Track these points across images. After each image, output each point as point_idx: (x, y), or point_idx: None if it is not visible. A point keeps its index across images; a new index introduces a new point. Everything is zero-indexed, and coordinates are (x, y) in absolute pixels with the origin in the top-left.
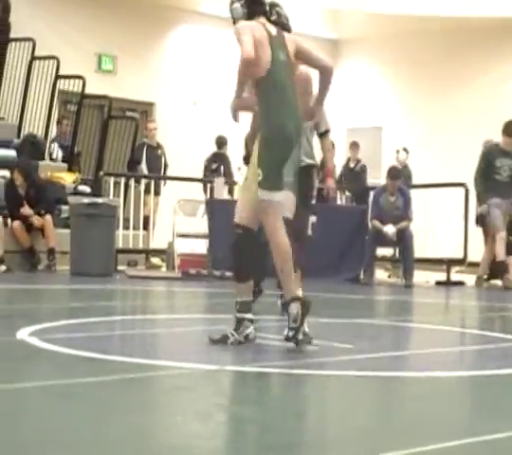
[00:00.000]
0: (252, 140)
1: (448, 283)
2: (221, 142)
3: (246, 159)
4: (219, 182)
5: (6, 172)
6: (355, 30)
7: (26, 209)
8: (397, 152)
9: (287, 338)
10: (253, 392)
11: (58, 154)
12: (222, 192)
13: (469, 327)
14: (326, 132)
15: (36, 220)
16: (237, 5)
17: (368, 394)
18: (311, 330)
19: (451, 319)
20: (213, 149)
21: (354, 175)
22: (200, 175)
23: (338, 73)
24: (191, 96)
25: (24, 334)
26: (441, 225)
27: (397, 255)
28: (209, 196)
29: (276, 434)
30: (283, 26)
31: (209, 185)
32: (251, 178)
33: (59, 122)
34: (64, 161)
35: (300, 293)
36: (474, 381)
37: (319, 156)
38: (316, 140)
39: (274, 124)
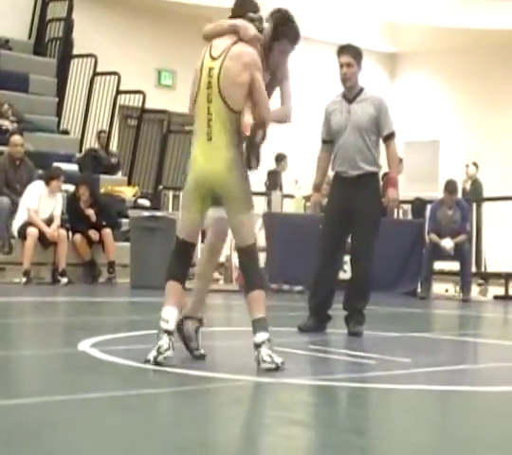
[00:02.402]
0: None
1: (506, 298)
2: (278, 158)
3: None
4: (276, 196)
5: (68, 187)
6: (413, 44)
7: (90, 212)
8: (467, 166)
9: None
10: (310, 406)
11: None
12: (279, 206)
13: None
14: (391, 135)
15: (93, 234)
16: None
17: (426, 409)
18: (368, 343)
19: (510, 334)
20: (272, 164)
21: None
22: (257, 189)
23: (395, 86)
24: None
25: (85, 345)
26: (500, 238)
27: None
28: (266, 210)
29: (335, 449)
30: None
31: (265, 198)
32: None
33: (98, 135)
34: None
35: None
36: None
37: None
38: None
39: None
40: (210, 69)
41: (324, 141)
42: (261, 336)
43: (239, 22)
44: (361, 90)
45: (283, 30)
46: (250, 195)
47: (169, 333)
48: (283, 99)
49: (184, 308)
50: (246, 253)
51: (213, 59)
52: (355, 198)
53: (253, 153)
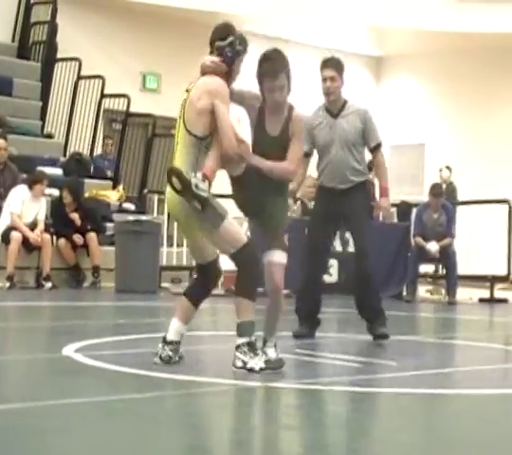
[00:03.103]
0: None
1: (491, 301)
2: None
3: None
4: None
5: (52, 191)
6: (398, 47)
7: (75, 216)
8: (440, 170)
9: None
10: (298, 409)
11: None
12: None
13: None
14: (378, 146)
15: (77, 239)
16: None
17: (412, 411)
18: (355, 347)
19: (495, 337)
20: None
21: None
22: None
23: (381, 90)
24: (234, 113)
25: (69, 350)
26: (484, 241)
27: (441, 272)
28: None
29: (323, 452)
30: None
31: None
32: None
33: (104, 141)
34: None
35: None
36: None
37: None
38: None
39: None
40: (183, 101)
41: (304, 154)
42: (238, 340)
43: (204, 58)
44: (345, 103)
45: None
46: (217, 205)
47: (164, 341)
48: (289, 156)
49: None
50: (235, 258)
51: (187, 91)
52: (344, 203)
53: (195, 198)
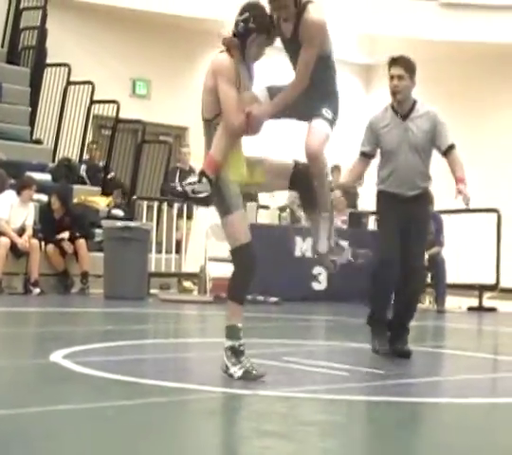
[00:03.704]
0: None
1: (480, 309)
2: None
3: None
4: (251, 206)
5: (41, 196)
6: (388, 55)
7: (63, 234)
8: None
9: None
10: (285, 417)
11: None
12: (254, 217)
13: (502, 354)
14: (450, 148)
15: (67, 246)
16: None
17: (398, 420)
18: (342, 355)
19: (484, 346)
20: None
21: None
22: None
23: (370, 97)
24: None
25: (57, 356)
26: (473, 250)
27: (429, 280)
28: None
29: None
30: None
31: None
32: None
33: (88, 147)
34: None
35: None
36: (508, 408)
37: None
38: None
39: None
40: None
41: (365, 155)
42: (225, 343)
43: None
44: (414, 104)
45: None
46: (228, 198)
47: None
48: (298, 68)
49: None
50: (232, 256)
51: None
52: (410, 211)
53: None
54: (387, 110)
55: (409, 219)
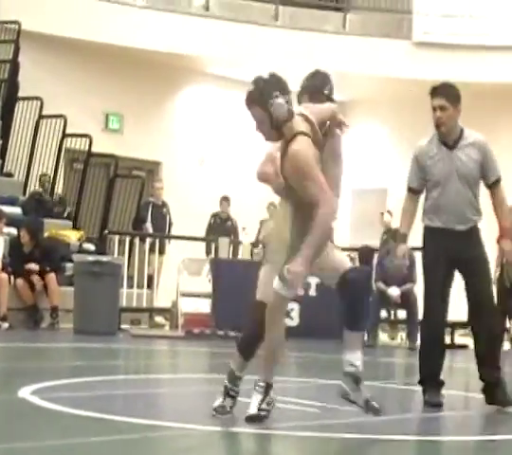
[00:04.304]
0: None
1: (451, 347)
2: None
3: None
4: (223, 242)
5: (11, 230)
6: (362, 93)
7: (31, 265)
8: (382, 214)
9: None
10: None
11: None
12: (226, 252)
13: (473, 391)
14: (497, 181)
15: (37, 280)
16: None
17: None
18: (314, 391)
19: (455, 383)
20: (218, 208)
21: None
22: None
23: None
24: (197, 155)
25: (25, 392)
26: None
27: (398, 317)
28: (213, 255)
29: None
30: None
31: (213, 244)
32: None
33: (40, 180)
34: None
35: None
36: (479, 446)
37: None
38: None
39: None
40: None
41: (413, 191)
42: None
43: None
44: (461, 132)
45: None
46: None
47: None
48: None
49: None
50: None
51: None
52: (464, 248)
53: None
54: (432, 140)
55: (463, 256)
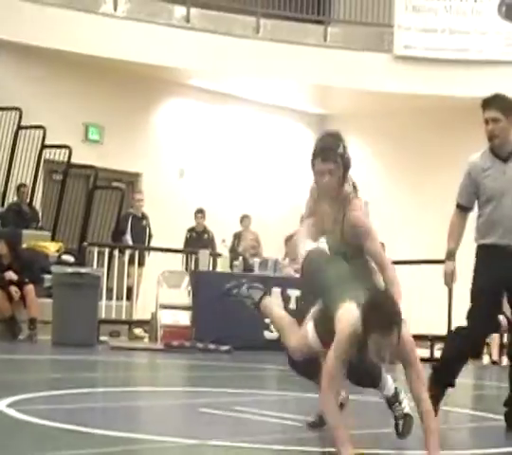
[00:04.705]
0: None
1: (431, 360)
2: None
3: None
4: (204, 254)
5: None
6: (341, 106)
7: (10, 275)
8: None
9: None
10: None
11: None
12: (206, 264)
13: (452, 405)
14: None
15: (15, 292)
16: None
17: None
18: (295, 405)
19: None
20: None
21: None
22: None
23: None
24: (177, 167)
25: (2, 405)
26: (425, 301)
27: None
28: (193, 268)
29: None
30: None
31: (193, 256)
32: None
33: (18, 189)
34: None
35: None
36: None
37: None
38: None
39: None
40: None
41: (462, 208)
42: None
43: None
44: None
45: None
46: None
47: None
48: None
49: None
50: None
51: None
52: None
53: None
54: (484, 154)
55: None
